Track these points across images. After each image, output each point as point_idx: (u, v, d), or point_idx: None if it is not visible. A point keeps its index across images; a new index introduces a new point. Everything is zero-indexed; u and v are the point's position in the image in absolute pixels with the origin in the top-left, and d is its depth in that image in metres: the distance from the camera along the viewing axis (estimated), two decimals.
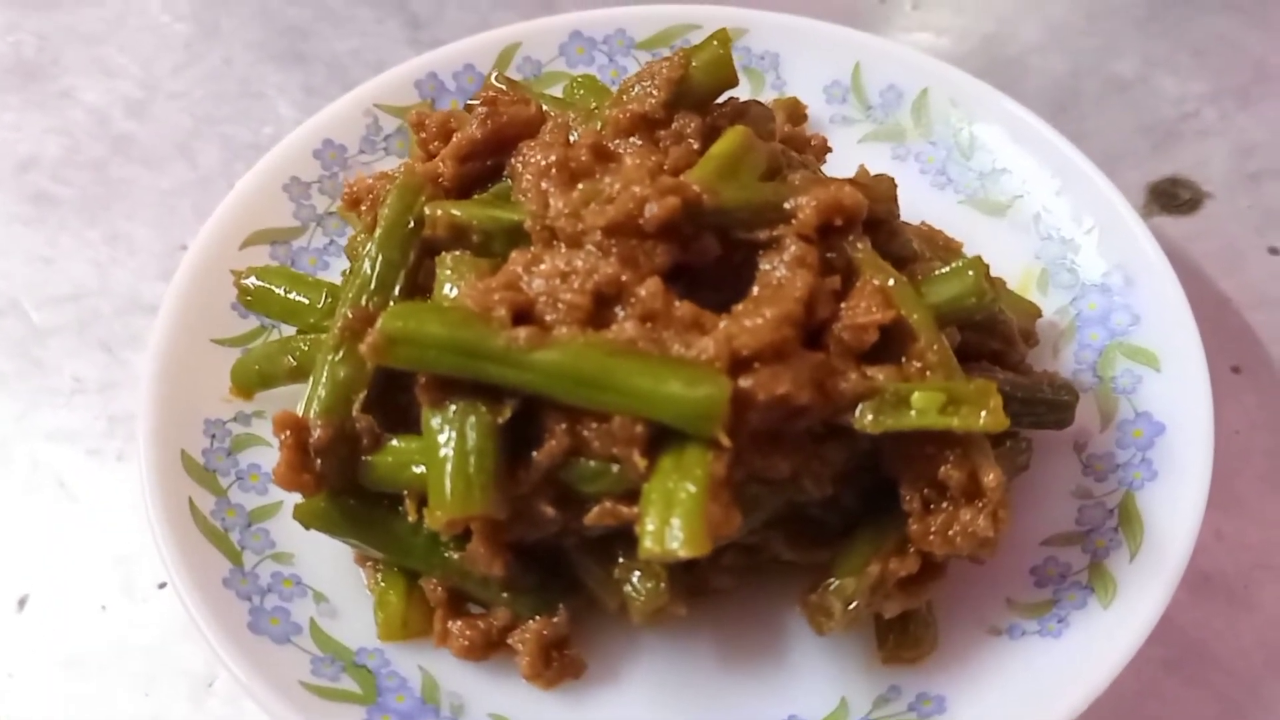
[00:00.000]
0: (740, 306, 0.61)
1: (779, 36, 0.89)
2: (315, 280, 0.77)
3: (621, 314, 0.60)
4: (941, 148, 0.86)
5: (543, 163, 0.65)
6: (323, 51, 1.05)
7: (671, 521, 0.55)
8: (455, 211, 0.67)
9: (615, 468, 0.60)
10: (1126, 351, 0.75)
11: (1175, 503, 0.68)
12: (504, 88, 0.82)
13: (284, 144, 0.83)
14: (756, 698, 0.67)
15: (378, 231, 0.68)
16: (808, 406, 0.59)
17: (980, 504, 0.61)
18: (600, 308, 0.60)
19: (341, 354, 0.66)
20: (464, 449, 0.60)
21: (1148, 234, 0.77)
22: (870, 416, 0.60)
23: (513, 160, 0.69)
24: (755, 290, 0.62)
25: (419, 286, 0.68)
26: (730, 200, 0.63)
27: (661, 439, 0.58)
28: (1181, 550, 0.66)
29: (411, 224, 0.68)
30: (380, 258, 0.68)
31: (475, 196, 0.71)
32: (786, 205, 0.63)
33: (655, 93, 0.68)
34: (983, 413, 0.59)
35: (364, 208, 0.73)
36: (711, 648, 0.68)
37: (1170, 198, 0.94)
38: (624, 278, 0.60)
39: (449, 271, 0.64)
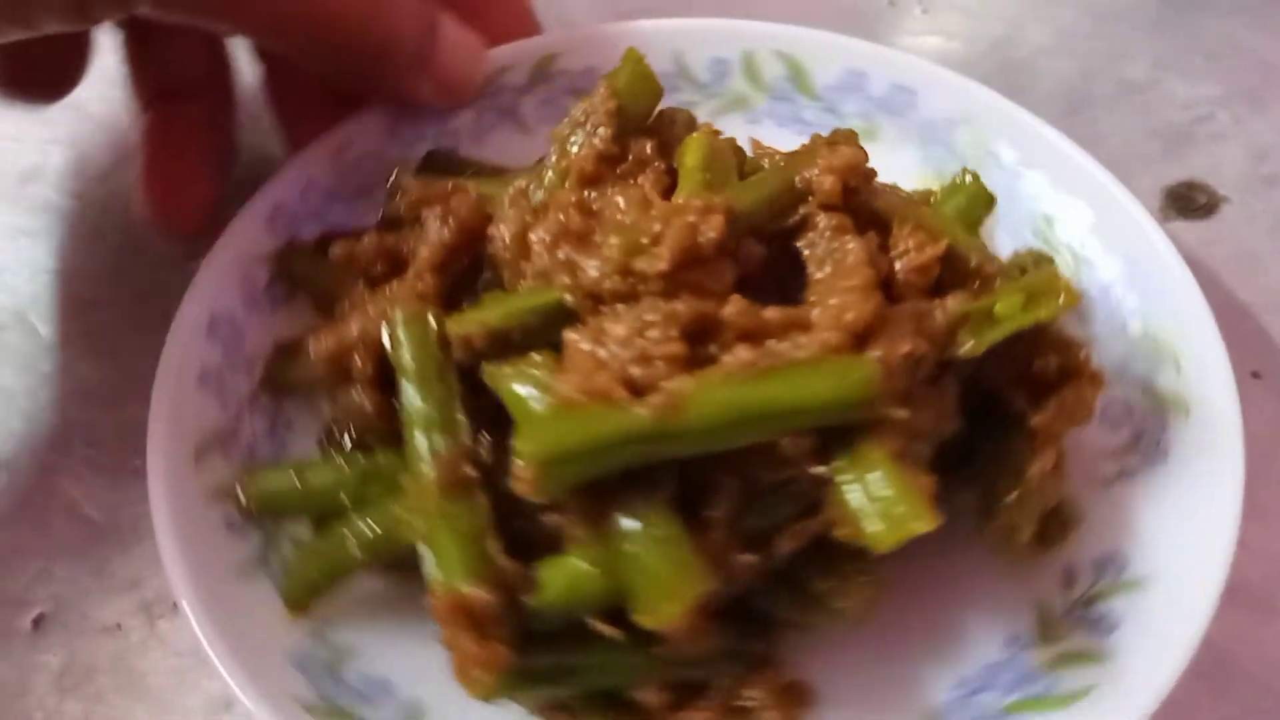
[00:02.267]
0: (813, 294, 0.61)
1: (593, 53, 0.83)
2: (324, 462, 0.70)
3: (715, 348, 0.59)
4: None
5: (546, 237, 0.63)
6: None
7: (894, 508, 0.55)
8: (487, 320, 0.63)
9: (794, 488, 0.59)
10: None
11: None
12: (415, 184, 0.75)
13: (174, 329, 0.72)
14: (966, 640, 0.67)
15: (405, 379, 0.63)
16: (926, 355, 0.60)
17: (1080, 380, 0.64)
18: (695, 347, 0.59)
19: (455, 510, 0.60)
20: (654, 537, 0.56)
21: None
22: (972, 340, 0.61)
23: (490, 250, 0.67)
24: (816, 273, 0.62)
25: (477, 409, 0.63)
26: (748, 200, 0.63)
27: (830, 441, 0.58)
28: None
29: (438, 353, 0.64)
30: (429, 399, 0.62)
31: (485, 297, 0.68)
32: (796, 184, 0.64)
33: (602, 130, 0.67)
34: (1060, 297, 0.61)
35: (359, 361, 0.67)
36: (890, 620, 0.67)
37: (1187, 201, 0.94)
38: (704, 309, 0.59)
39: (521, 381, 0.61)
